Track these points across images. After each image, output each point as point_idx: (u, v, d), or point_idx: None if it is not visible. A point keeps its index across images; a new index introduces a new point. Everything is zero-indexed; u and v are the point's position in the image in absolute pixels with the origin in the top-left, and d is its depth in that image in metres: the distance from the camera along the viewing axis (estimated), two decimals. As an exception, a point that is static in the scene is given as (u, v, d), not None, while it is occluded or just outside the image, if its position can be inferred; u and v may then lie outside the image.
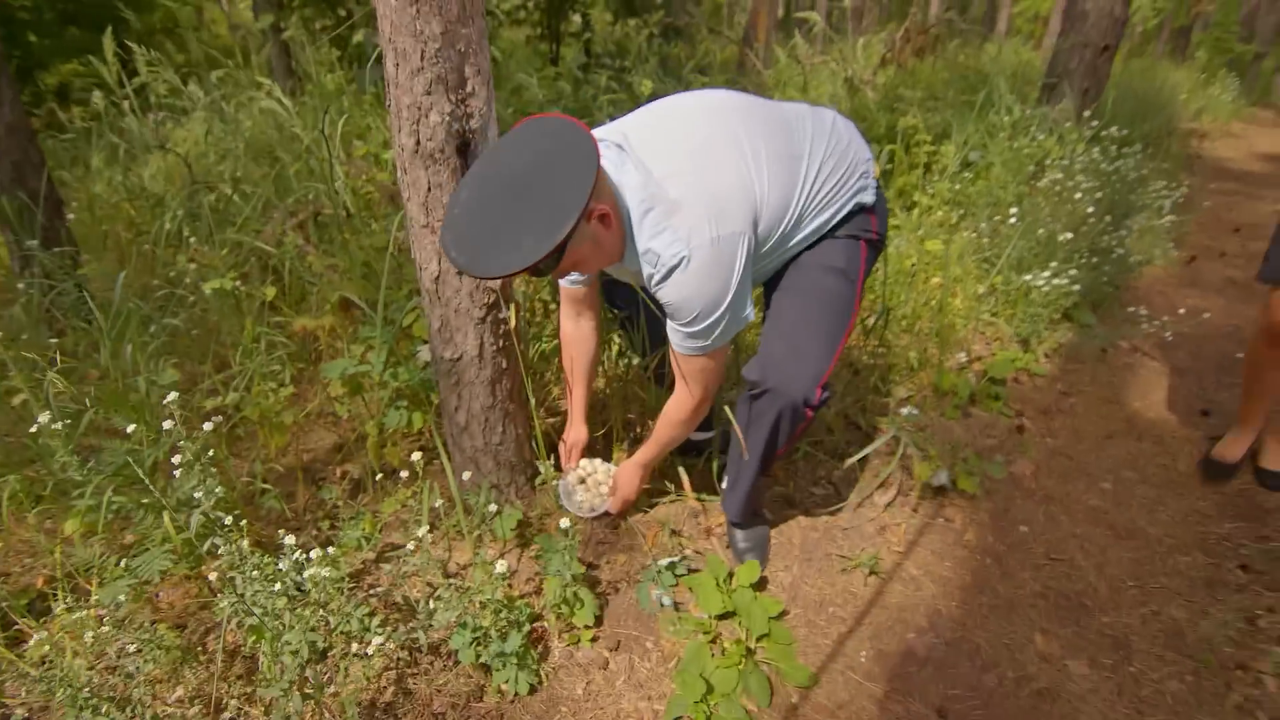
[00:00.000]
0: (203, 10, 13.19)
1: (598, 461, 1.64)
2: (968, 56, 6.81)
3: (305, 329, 1.76)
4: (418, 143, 1.28)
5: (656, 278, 1.17)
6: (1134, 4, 12.60)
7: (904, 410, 1.82)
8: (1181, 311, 2.85)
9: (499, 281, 1.39)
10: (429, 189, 1.32)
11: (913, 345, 2.30)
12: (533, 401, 1.53)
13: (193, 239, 2.27)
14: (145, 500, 1.37)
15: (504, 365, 1.48)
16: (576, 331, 1.55)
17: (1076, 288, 2.46)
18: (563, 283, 1.46)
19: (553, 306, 1.88)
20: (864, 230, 1.35)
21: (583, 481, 1.61)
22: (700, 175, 1.15)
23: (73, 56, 7.59)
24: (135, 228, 2.81)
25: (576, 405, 1.63)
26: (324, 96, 3.90)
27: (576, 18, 5.38)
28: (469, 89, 1.27)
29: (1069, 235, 2.55)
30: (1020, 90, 4.37)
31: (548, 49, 5.35)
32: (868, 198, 1.33)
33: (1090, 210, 2.71)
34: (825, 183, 1.27)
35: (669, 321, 1.25)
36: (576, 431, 1.65)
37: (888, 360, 2.22)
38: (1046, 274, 2.41)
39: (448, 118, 1.27)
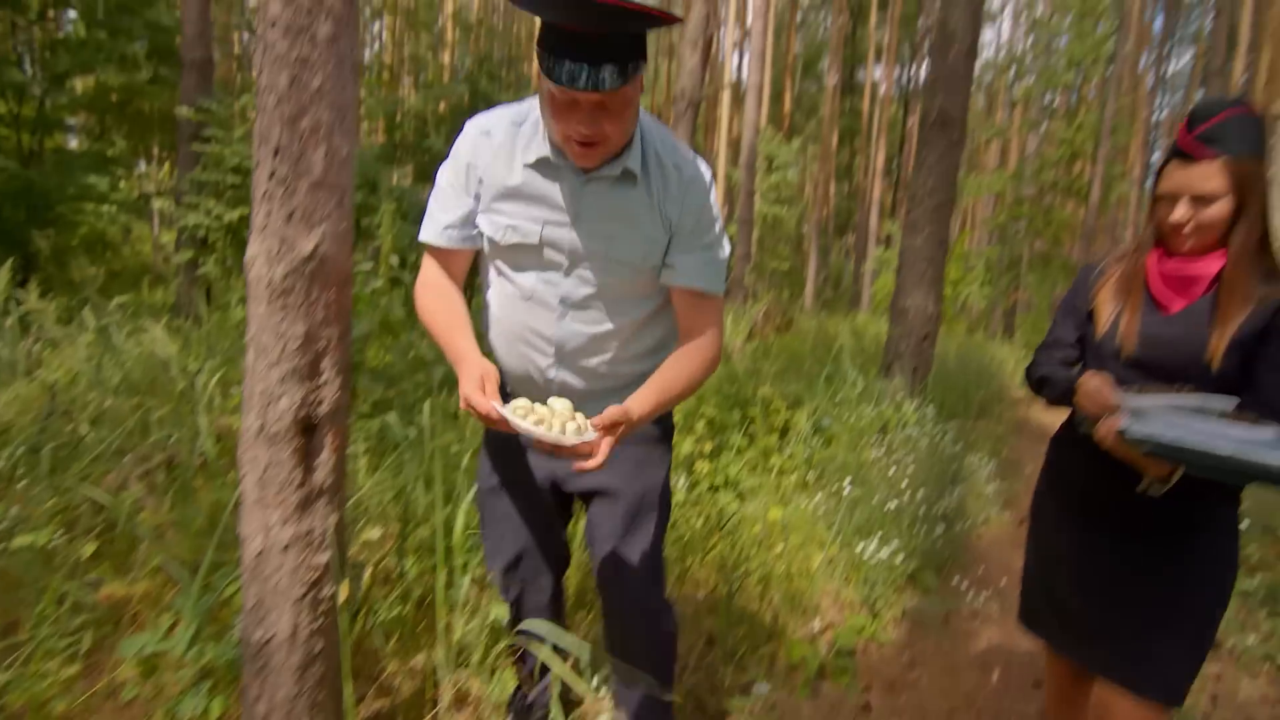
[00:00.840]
0: (131, 228, 13.66)
1: (532, 403, 1.14)
2: (832, 327, 7.93)
3: (111, 597, 1.63)
4: (263, 425, 1.36)
5: (701, 182, 1.22)
6: (966, 290, 15.36)
7: (754, 688, 1.82)
8: (1015, 572, 3.10)
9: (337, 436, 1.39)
10: (266, 467, 1.36)
11: (765, 612, 2.36)
12: (349, 691, 1.44)
13: (22, 483, 2.14)
14: None
15: (318, 649, 1.41)
16: (444, 280, 1.32)
17: (900, 558, 2.66)
18: (440, 240, 1.28)
19: (395, 575, 1.85)
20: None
21: (537, 421, 1.09)
22: None
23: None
24: (-36, 461, 2.62)
25: (461, 338, 1.23)
26: (223, 332, 4.01)
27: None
28: (323, 379, 1.40)
29: (896, 503, 2.82)
30: (869, 363, 5.09)
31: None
32: None
33: (905, 483, 3.04)
34: None
35: (696, 256, 1.23)
36: (478, 365, 1.17)
37: (741, 630, 2.25)
38: (878, 543, 2.61)
39: (298, 404, 1.37)
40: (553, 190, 1.20)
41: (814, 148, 25.10)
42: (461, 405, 1.15)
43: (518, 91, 6.18)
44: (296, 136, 1.29)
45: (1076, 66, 13.71)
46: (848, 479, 2.97)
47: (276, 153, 1.28)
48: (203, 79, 5.62)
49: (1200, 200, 1.20)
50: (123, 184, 10.31)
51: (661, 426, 1.43)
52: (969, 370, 6.84)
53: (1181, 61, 30.10)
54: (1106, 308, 1.36)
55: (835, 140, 24.03)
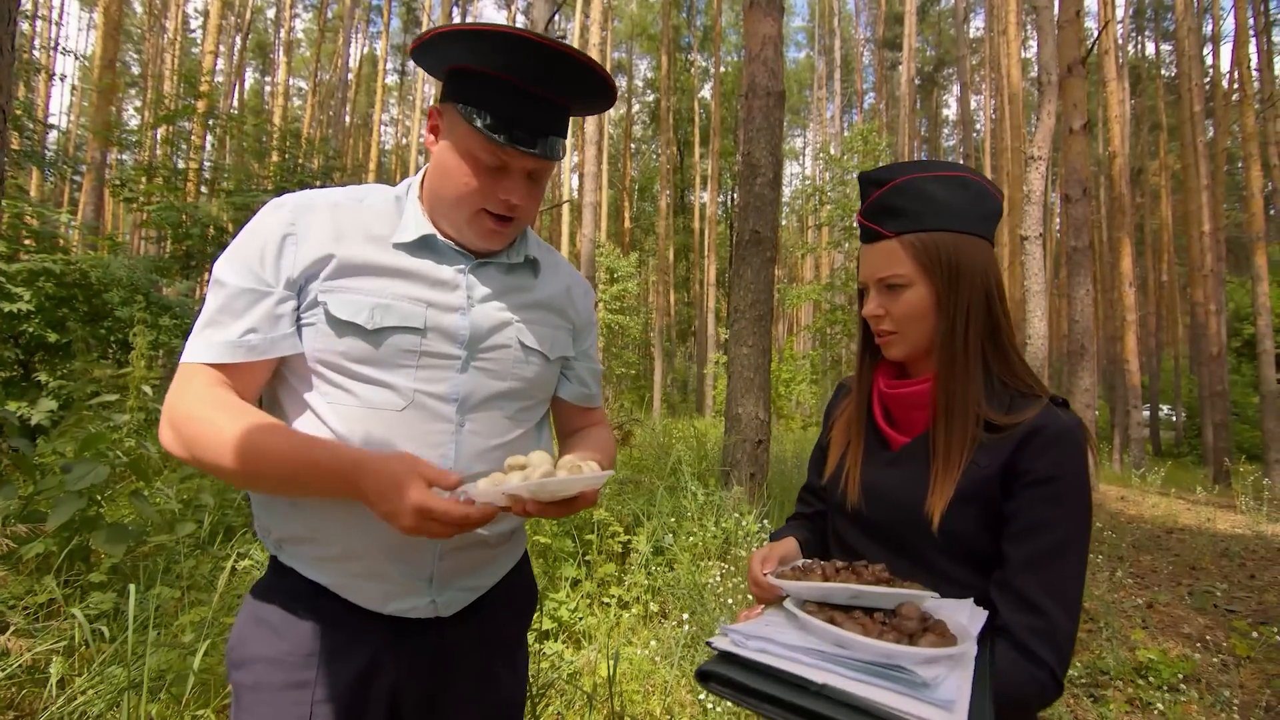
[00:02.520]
0: None
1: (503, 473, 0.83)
2: (675, 432, 7.97)
3: None
4: None
5: (589, 288, 1.18)
6: (797, 389, 16.52)
7: None
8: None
9: None
10: None
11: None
12: None
13: None
14: None
15: None
16: (237, 400, 0.89)
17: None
18: (237, 354, 0.88)
19: None
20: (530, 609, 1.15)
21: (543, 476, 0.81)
22: None
23: None
24: None
25: (320, 446, 0.84)
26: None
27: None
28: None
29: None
30: (710, 470, 5.05)
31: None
32: None
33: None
34: None
35: (591, 364, 1.18)
36: (396, 459, 0.80)
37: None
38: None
39: None
40: (434, 270, 0.96)
41: (654, 261, 26.73)
42: (409, 526, 0.75)
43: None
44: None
45: (866, 196, 15.96)
46: (685, 614, 2.74)
47: None
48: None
49: (889, 288, 0.92)
50: None
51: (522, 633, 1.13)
52: (805, 466, 7.10)
53: (944, 194, 36.43)
54: (835, 443, 1.04)
55: (671, 255, 25.77)
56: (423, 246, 0.96)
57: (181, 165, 6.14)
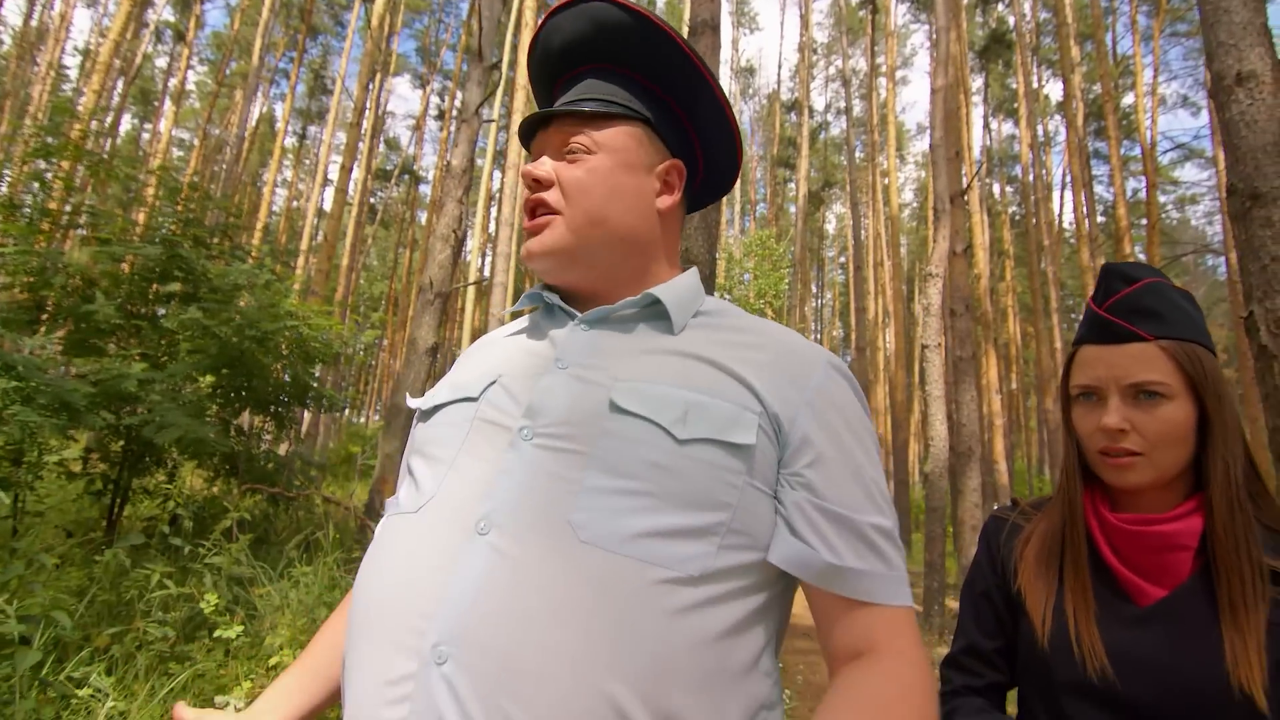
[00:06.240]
0: None
1: None
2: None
3: None
4: None
5: (843, 378, 0.67)
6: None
7: None
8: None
9: None
10: None
11: None
12: None
13: None
14: None
15: None
16: None
17: None
18: None
19: None
20: None
21: None
22: None
23: None
24: None
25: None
26: None
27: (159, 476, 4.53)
28: None
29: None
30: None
31: (103, 511, 4.25)
32: None
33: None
34: None
35: (814, 499, 0.60)
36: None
37: None
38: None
39: None
40: (536, 334, 0.73)
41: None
42: None
43: (229, 263, 5.28)
44: None
45: (762, 298, 16.89)
46: None
47: None
48: None
49: (1139, 395, 0.77)
50: None
51: None
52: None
53: (824, 300, 39.59)
54: (1037, 595, 0.81)
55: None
56: (532, 311, 0.80)
57: (42, 204, 5.34)
